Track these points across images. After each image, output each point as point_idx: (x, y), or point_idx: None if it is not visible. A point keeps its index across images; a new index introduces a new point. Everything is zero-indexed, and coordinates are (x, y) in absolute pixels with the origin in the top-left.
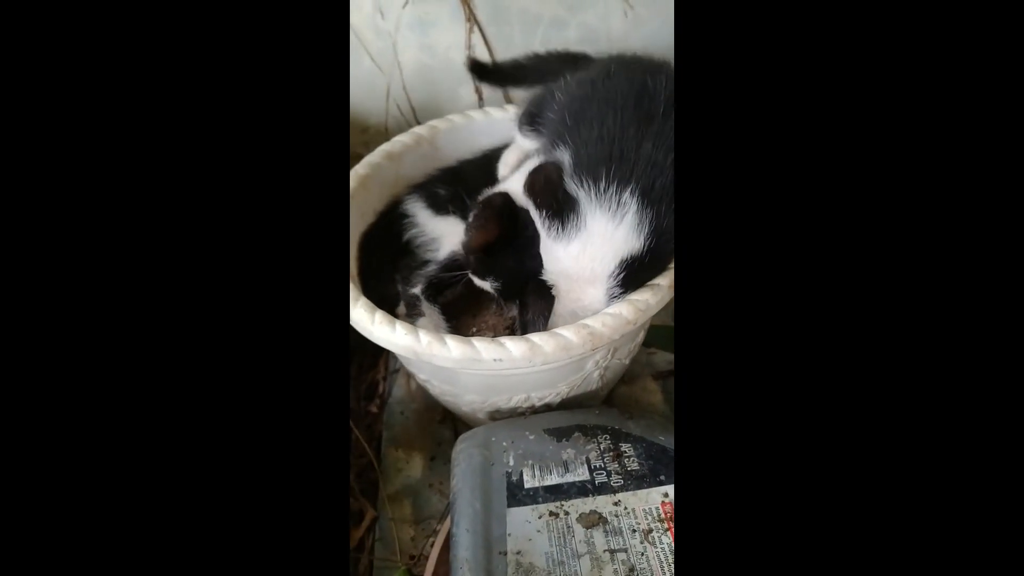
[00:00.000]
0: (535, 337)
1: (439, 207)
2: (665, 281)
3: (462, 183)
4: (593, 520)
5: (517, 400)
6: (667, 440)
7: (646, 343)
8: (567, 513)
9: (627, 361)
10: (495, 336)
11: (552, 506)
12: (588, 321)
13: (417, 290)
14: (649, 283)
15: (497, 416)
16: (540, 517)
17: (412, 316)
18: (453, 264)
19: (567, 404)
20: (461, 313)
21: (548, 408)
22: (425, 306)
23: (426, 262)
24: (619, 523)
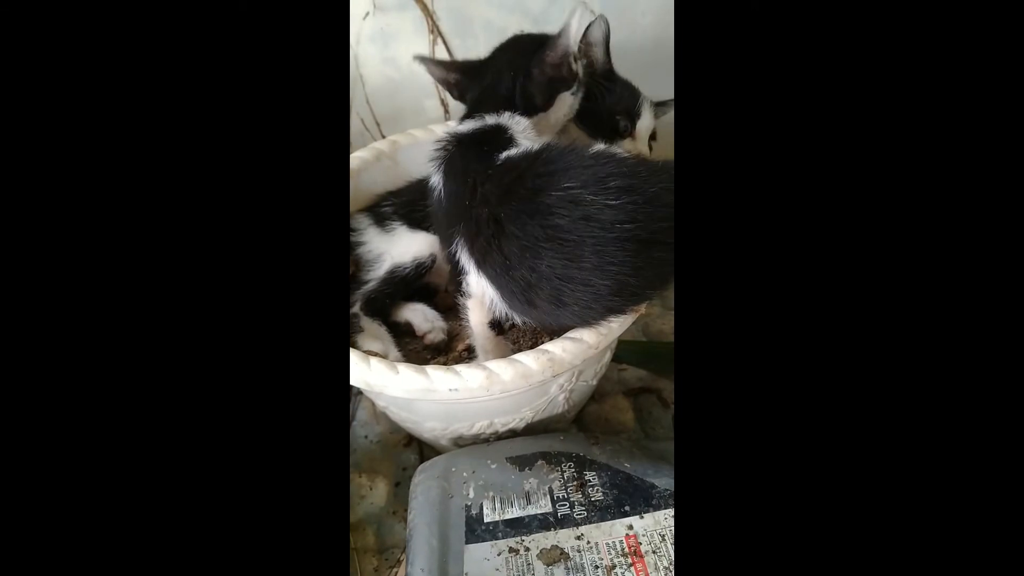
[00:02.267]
0: (492, 365)
1: (383, 221)
2: None
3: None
4: (554, 556)
5: (480, 426)
6: (633, 467)
7: (617, 359)
8: (527, 549)
9: (594, 382)
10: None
11: (512, 541)
12: (548, 347)
13: (356, 308)
14: None
15: (460, 443)
16: (499, 554)
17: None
18: (394, 277)
19: (533, 428)
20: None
21: (513, 433)
22: (365, 322)
23: (366, 281)
24: (581, 559)
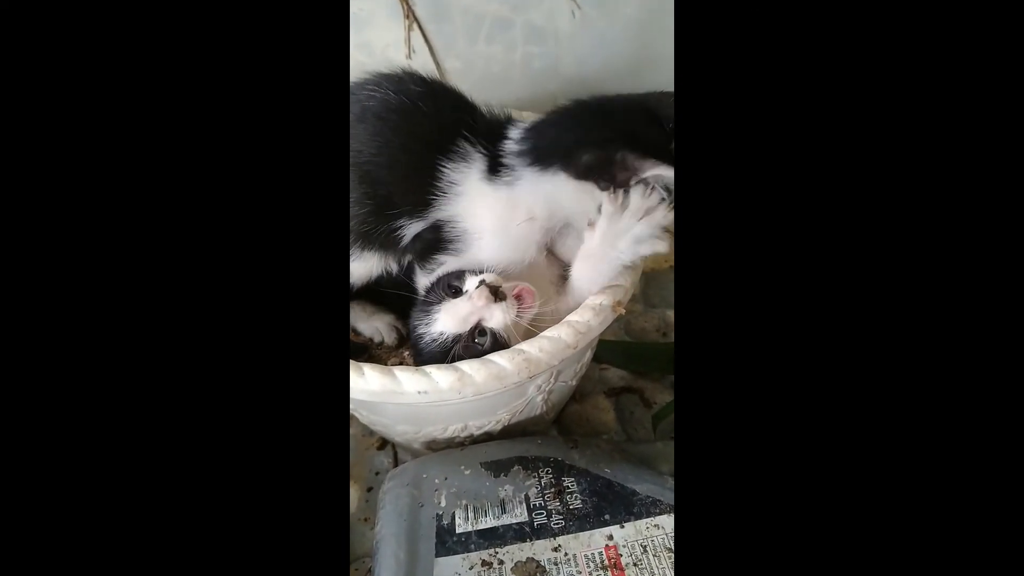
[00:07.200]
0: (464, 366)
1: None
2: (608, 301)
3: None
4: (530, 570)
5: (454, 430)
6: (613, 472)
7: (598, 359)
8: (501, 562)
9: (574, 382)
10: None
11: (485, 554)
12: (523, 346)
13: None
14: (591, 304)
15: (434, 446)
16: (471, 568)
17: None
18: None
19: (510, 430)
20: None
21: (489, 436)
22: None
23: None
24: (558, 573)
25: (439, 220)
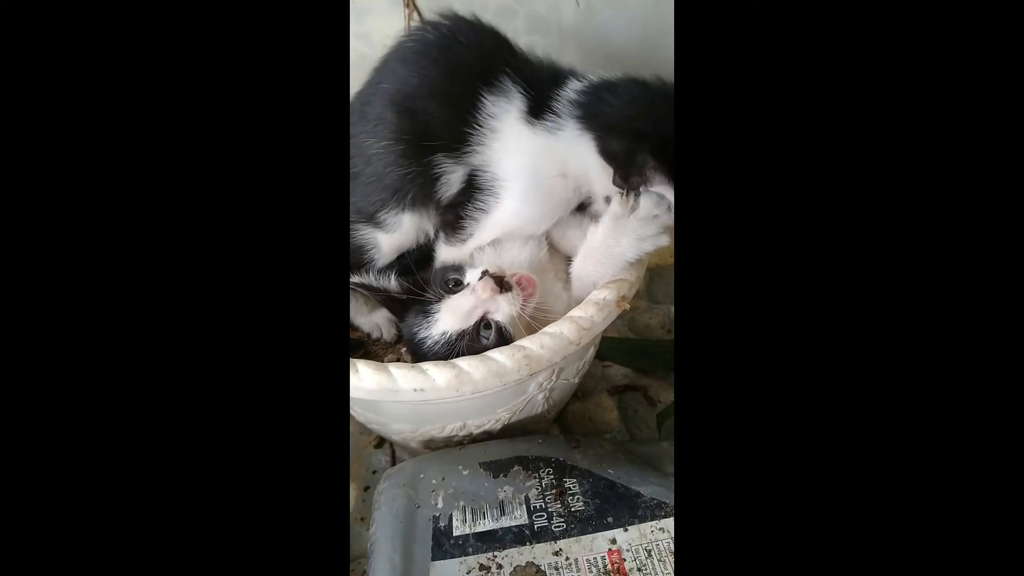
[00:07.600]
0: (462, 363)
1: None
2: (612, 296)
3: None
4: (529, 574)
5: (452, 428)
6: (616, 473)
7: (600, 356)
8: (500, 567)
9: (576, 380)
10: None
11: (483, 558)
12: (524, 343)
13: None
14: (594, 300)
15: (432, 445)
16: (469, 572)
17: None
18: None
19: (510, 429)
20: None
21: (488, 435)
22: None
23: None
24: None
25: (473, 168)
